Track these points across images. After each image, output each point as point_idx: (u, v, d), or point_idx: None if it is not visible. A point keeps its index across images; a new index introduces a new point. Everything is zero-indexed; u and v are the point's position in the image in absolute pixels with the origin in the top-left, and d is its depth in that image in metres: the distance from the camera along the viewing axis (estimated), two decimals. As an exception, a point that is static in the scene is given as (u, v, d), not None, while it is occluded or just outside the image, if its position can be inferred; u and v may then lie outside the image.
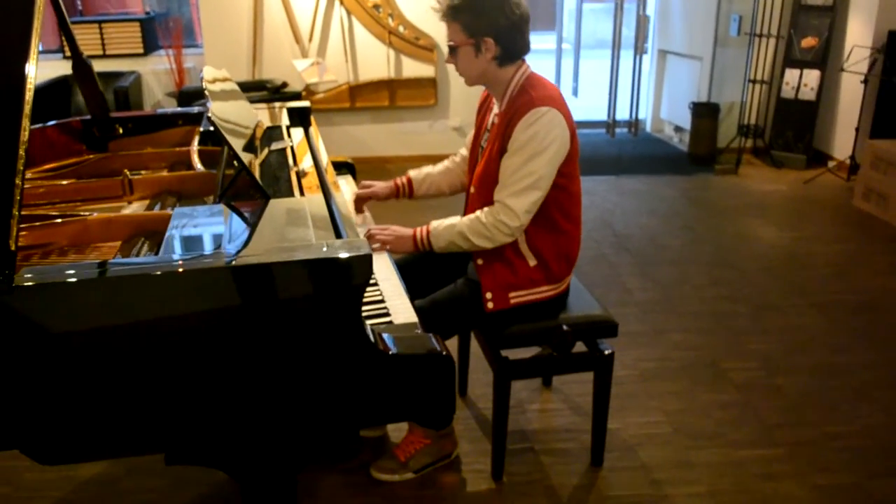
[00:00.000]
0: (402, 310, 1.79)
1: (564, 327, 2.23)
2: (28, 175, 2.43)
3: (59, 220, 1.83)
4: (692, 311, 3.58)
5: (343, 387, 1.49)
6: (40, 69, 5.75)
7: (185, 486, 2.37)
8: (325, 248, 1.43)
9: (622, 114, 6.89)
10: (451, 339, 2.54)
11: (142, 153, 2.52)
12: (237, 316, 1.38)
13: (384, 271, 2.01)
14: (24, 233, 1.82)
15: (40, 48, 6.03)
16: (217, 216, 1.68)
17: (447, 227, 2.12)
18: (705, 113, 6.07)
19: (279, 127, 2.56)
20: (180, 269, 1.34)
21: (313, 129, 2.74)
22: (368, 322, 1.73)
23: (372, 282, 1.95)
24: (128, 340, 1.36)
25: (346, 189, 2.76)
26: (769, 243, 4.49)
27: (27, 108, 1.43)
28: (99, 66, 6.19)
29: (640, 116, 7.27)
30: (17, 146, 1.38)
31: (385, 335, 1.54)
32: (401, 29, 5.88)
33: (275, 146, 2.30)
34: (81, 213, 1.86)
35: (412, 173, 2.53)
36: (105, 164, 2.40)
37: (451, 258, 2.37)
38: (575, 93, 7.24)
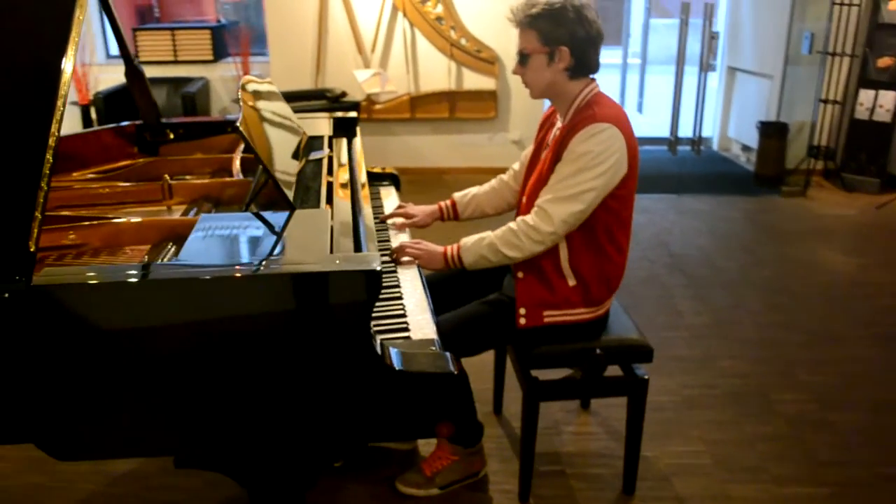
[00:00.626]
0: (422, 325, 1.77)
1: (597, 350, 2.17)
2: (77, 176, 2.52)
3: (94, 223, 1.87)
4: (744, 338, 3.45)
5: (348, 400, 1.48)
6: (113, 73, 5.96)
7: (216, 487, 2.39)
8: (337, 262, 1.43)
9: (687, 131, 6.72)
10: (487, 356, 2.52)
11: (188, 158, 2.57)
12: (242, 325, 1.39)
13: (411, 285, 1.99)
14: (59, 233, 1.87)
15: (114, 53, 6.21)
16: (240, 224, 1.69)
17: (477, 240, 2.09)
18: (773, 133, 5.87)
19: (321, 137, 2.57)
20: (184, 277, 1.36)
21: (357, 141, 2.74)
22: (386, 336, 1.72)
23: (396, 295, 1.93)
24: (134, 343, 1.38)
25: (386, 203, 2.76)
26: (832, 270, 4.29)
27: (59, 111, 1.46)
28: (169, 72, 6.44)
29: (707, 134, 7.10)
30: (45, 149, 1.41)
31: (394, 350, 1.52)
32: (463, 41, 5.89)
33: (312, 156, 2.31)
34: (114, 217, 1.90)
35: (456, 195, 2.51)
36: (151, 168, 2.46)
37: (486, 274, 2.33)
38: (640, 109, 7.10)
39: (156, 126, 2.74)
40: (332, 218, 1.79)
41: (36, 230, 1.36)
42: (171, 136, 2.77)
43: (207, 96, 6.33)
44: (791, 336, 3.46)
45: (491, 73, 5.95)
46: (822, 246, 4.68)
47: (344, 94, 5.55)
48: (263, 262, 1.43)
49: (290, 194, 1.85)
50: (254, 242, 1.59)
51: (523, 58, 2.06)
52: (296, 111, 4.37)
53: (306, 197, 1.93)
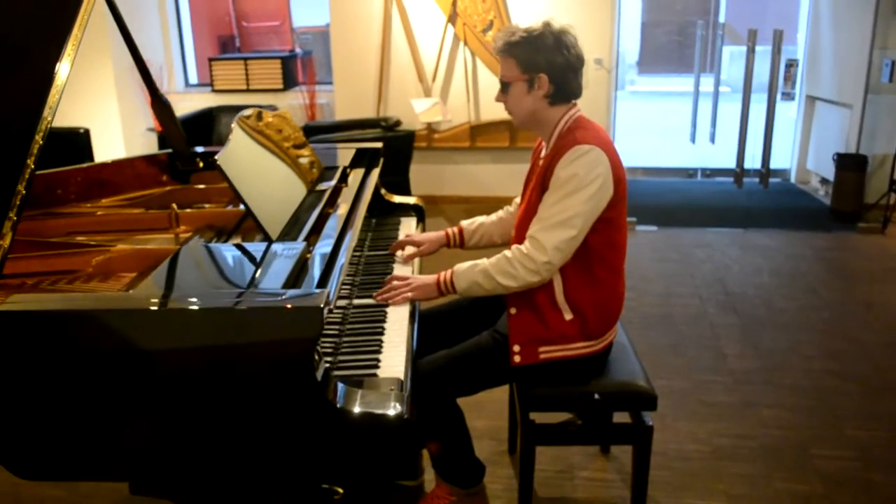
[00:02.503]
0: (394, 364, 1.74)
1: (595, 395, 2.08)
2: (105, 202, 2.62)
3: (90, 249, 1.94)
4: (792, 385, 3.23)
5: (288, 436, 1.46)
6: (190, 101, 6.23)
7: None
8: (280, 298, 1.42)
9: (756, 162, 6.43)
10: (502, 392, 2.45)
11: (210, 187, 2.64)
12: (176, 357, 1.40)
13: (398, 323, 1.95)
14: (57, 259, 1.95)
15: (192, 82, 6.50)
16: (214, 256, 1.71)
17: (470, 266, 2.05)
18: (851, 165, 5.54)
19: (336, 168, 2.58)
20: (128, 308, 1.38)
21: (375, 172, 2.75)
22: (352, 372, 1.70)
23: (377, 331, 1.91)
24: (79, 370, 1.41)
25: (401, 234, 2.74)
26: (904, 315, 3.99)
27: (44, 122, 1.50)
28: (241, 100, 6.66)
29: (784, 166, 6.78)
30: (16, 180, 1.46)
31: (342, 387, 1.49)
32: (523, 70, 5.85)
33: (319, 187, 2.33)
34: (116, 244, 1.97)
35: (464, 223, 2.48)
36: (171, 197, 2.53)
37: (485, 310, 2.28)
38: (712, 139, 6.86)
39: (185, 155, 2.83)
40: (309, 251, 1.79)
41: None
42: (201, 164, 2.85)
43: (276, 124, 6.50)
44: (843, 386, 3.22)
45: (552, 102, 5.88)
46: (894, 289, 4.36)
47: (398, 122, 5.60)
48: (199, 295, 1.44)
49: (273, 227, 1.86)
50: (213, 274, 1.61)
51: (504, 86, 2.06)
52: (348, 140, 4.49)
53: (290, 229, 1.93)
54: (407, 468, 1.51)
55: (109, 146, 6.26)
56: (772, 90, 6.11)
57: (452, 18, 5.80)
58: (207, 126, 6.30)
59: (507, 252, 2.01)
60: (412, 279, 2.10)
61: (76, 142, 5.69)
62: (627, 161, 7.73)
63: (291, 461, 1.49)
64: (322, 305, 1.39)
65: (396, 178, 5.20)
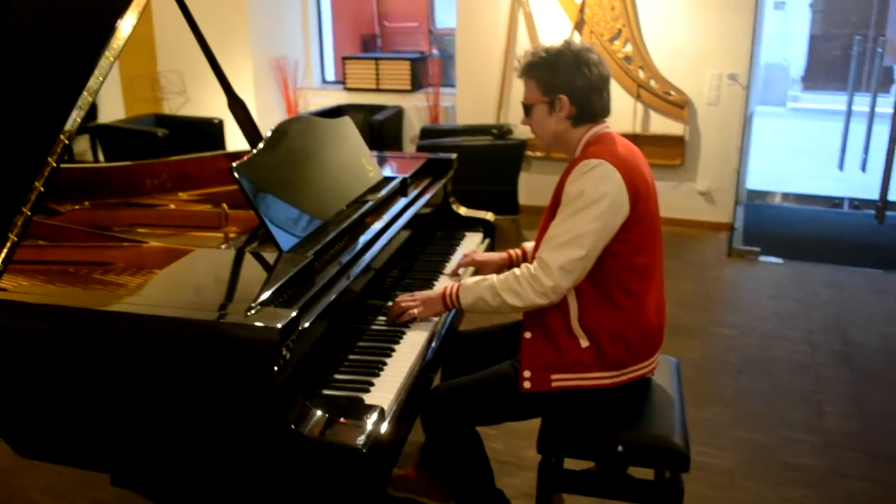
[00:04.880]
0: (385, 390, 1.67)
1: (619, 448, 1.91)
2: (183, 196, 2.73)
3: (124, 244, 2.02)
4: (894, 457, 2.84)
5: (248, 453, 1.45)
6: (323, 97, 6.45)
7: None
8: (249, 314, 1.40)
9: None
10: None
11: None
12: (136, 359, 1.45)
13: (409, 348, 1.89)
14: (102, 250, 2.04)
15: (329, 79, 6.71)
16: (218, 262, 1.72)
17: (478, 280, 1.97)
18: None
19: (395, 179, 2.53)
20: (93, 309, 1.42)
21: (439, 182, 2.68)
22: (340, 392, 1.65)
23: (384, 353, 1.85)
24: (53, 362, 1.50)
25: (463, 249, 2.66)
26: None
27: (97, 79, 1.62)
28: (369, 99, 6.83)
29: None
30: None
31: (308, 410, 1.45)
32: (651, 83, 5.58)
33: (369, 197, 2.31)
34: (141, 241, 2.04)
35: (527, 245, 2.38)
36: (235, 195, 2.59)
37: (509, 340, 2.16)
38: (862, 167, 6.22)
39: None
40: (315, 265, 1.76)
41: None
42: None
43: (399, 125, 6.60)
44: (958, 465, 2.80)
45: (680, 117, 5.56)
46: None
47: (510, 130, 5.50)
48: (163, 302, 1.46)
49: (289, 239, 1.86)
50: (203, 280, 1.62)
51: (526, 109, 1.99)
52: (456, 147, 4.46)
53: (310, 241, 1.91)
54: (373, 500, 1.44)
55: (241, 137, 6.60)
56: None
57: (579, 26, 5.61)
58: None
59: (516, 270, 1.92)
60: (419, 295, 2.04)
61: (210, 131, 6.05)
62: (766, 185, 7.16)
63: (247, 475, 1.48)
64: (276, 327, 1.35)
65: (504, 188, 5.11)
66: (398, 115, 6.52)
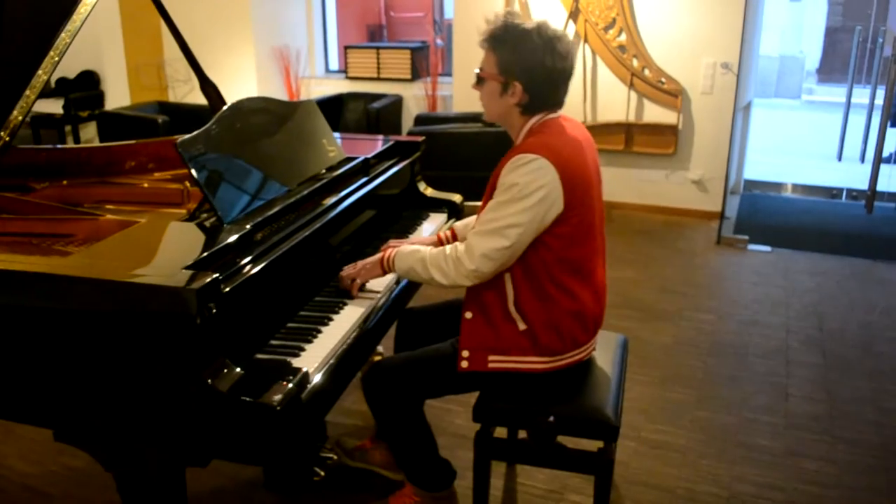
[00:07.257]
0: (314, 356, 1.76)
1: (550, 417, 1.97)
2: (157, 176, 2.83)
3: (84, 217, 2.11)
4: (852, 440, 2.87)
5: (171, 409, 1.54)
6: (325, 86, 6.56)
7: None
8: (173, 276, 1.50)
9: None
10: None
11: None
12: (69, 317, 1.55)
13: (346, 318, 1.97)
14: (64, 223, 2.14)
15: (333, 68, 6.81)
16: (165, 231, 1.83)
17: (413, 251, 2.03)
18: None
19: (356, 159, 2.61)
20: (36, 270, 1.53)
21: (399, 165, 2.75)
22: (272, 356, 1.74)
23: (320, 320, 1.93)
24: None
25: (426, 228, 2.73)
26: None
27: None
28: (370, 87, 6.90)
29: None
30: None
31: (237, 370, 1.54)
32: (645, 72, 5.59)
33: (325, 175, 2.39)
34: (98, 214, 2.13)
35: (458, 224, 2.44)
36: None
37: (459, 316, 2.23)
38: (861, 158, 6.19)
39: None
40: (254, 235, 1.84)
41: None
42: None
43: (398, 113, 6.67)
44: (916, 448, 2.82)
45: (673, 105, 5.57)
46: None
47: (501, 118, 5.53)
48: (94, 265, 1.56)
49: (232, 211, 1.94)
50: (141, 247, 1.71)
51: (479, 79, 1.96)
52: (446, 134, 4.51)
53: (254, 214, 1.99)
54: (295, 454, 1.52)
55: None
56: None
57: (574, 15, 5.64)
58: (336, 110, 6.58)
59: (447, 247, 1.96)
60: (360, 263, 2.10)
61: (210, 118, 6.15)
62: (767, 176, 7.08)
63: (176, 430, 1.58)
64: (193, 289, 1.43)
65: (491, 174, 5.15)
66: (397, 103, 6.59)
